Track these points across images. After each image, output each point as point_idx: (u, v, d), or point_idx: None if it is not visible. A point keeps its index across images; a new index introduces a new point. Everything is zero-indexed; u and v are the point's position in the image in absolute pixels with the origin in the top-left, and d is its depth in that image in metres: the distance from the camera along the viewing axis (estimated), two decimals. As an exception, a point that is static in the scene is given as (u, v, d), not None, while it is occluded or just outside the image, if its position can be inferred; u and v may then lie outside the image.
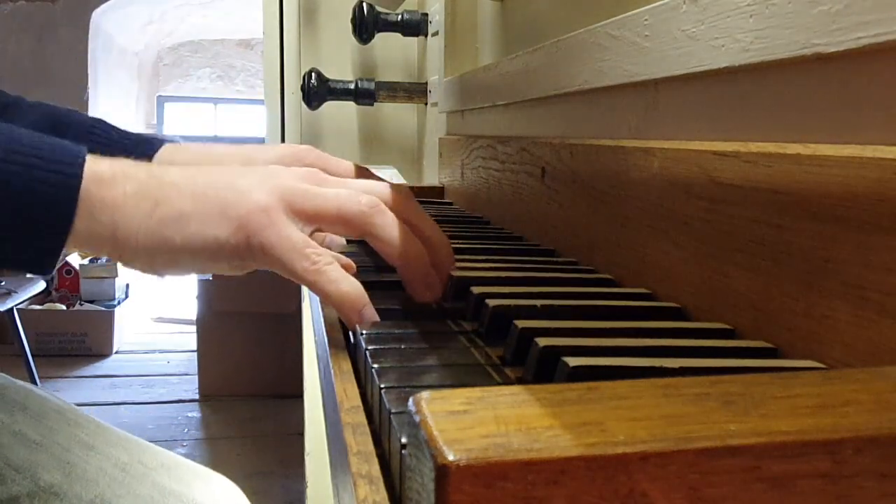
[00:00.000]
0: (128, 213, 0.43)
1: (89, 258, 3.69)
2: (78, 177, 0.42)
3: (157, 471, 0.68)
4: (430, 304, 0.49)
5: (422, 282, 0.48)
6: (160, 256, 0.44)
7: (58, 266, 0.44)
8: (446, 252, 0.51)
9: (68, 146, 0.44)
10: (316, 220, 0.45)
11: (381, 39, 1.43)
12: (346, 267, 0.49)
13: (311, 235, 0.45)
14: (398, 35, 1.40)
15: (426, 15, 1.36)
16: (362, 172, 0.69)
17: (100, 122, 0.73)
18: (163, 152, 0.70)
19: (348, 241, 0.68)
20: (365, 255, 0.65)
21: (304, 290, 0.95)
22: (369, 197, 0.47)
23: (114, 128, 0.73)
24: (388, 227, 0.46)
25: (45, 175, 0.42)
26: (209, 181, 0.45)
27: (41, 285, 2.91)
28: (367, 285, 0.45)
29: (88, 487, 0.62)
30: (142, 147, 0.70)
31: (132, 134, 0.73)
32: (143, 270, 0.45)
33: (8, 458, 0.60)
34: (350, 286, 0.44)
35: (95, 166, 0.43)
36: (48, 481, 0.60)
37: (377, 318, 0.43)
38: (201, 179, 0.45)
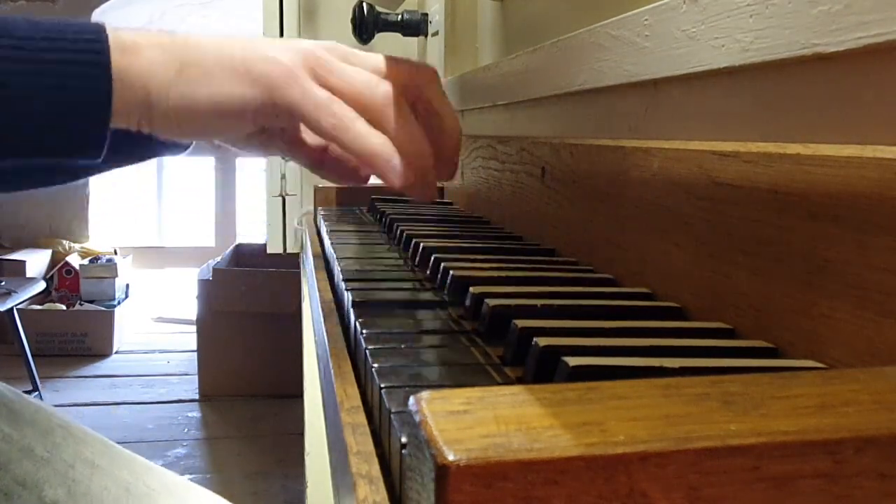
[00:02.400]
0: (156, 76, 0.43)
1: (89, 258, 3.69)
2: (105, 51, 0.42)
3: (160, 492, 0.68)
4: (431, 304, 0.49)
5: (419, 183, 0.47)
6: (189, 116, 0.44)
7: (105, 150, 0.44)
8: (454, 144, 0.50)
9: (86, 23, 0.44)
10: (334, 93, 0.45)
11: (381, 39, 1.43)
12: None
13: None
14: (398, 35, 1.40)
15: (426, 15, 1.36)
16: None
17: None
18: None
19: None
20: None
21: (304, 290, 0.95)
22: (388, 88, 0.46)
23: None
24: (399, 125, 0.45)
25: (73, 55, 0.42)
26: (234, 44, 0.46)
27: (41, 285, 2.91)
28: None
29: None
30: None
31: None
32: (174, 134, 0.46)
33: (15, 473, 0.60)
34: (378, 140, 0.44)
35: (117, 36, 0.43)
36: (53, 498, 0.61)
37: (410, 176, 0.44)
38: (226, 42, 0.46)
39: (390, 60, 0.50)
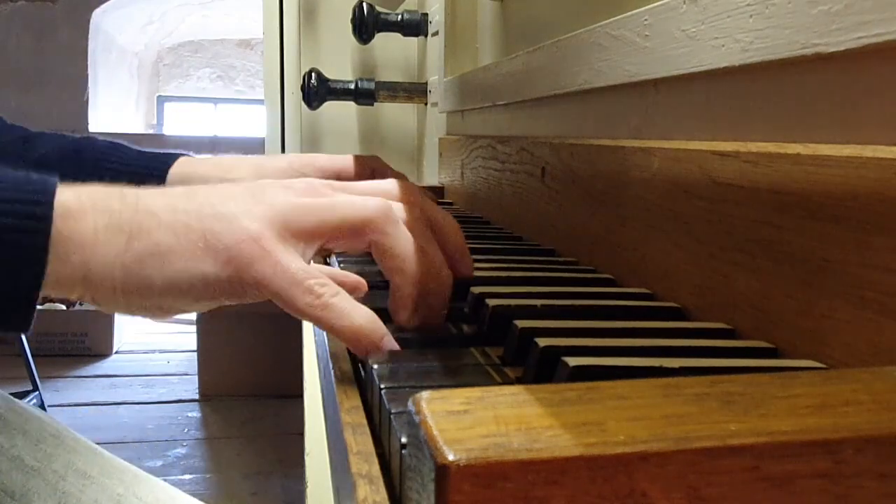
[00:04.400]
0: (99, 251, 0.37)
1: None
2: (48, 216, 0.37)
3: None
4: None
5: (423, 311, 0.42)
6: (139, 299, 0.39)
7: (34, 317, 0.38)
8: (461, 242, 0.46)
9: (35, 178, 0.38)
10: (318, 237, 0.40)
11: (381, 39, 1.43)
12: (354, 288, 0.44)
13: (318, 252, 0.41)
14: (398, 35, 1.40)
15: (426, 15, 1.36)
16: (377, 163, 0.68)
17: (115, 147, 0.73)
18: (176, 167, 0.70)
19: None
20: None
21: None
22: (377, 200, 0.41)
23: (129, 149, 0.73)
24: (402, 238, 0.41)
25: (9, 217, 0.36)
26: (191, 207, 0.39)
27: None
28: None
29: None
30: (156, 163, 0.71)
31: (147, 152, 0.73)
32: (125, 313, 0.40)
33: (4, 483, 0.60)
34: (363, 318, 0.38)
35: (63, 198, 0.38)
36: None
37: (397, 347, 0.39)
38: (182, 205, 0.39)
39: (366, 185, 0.45)
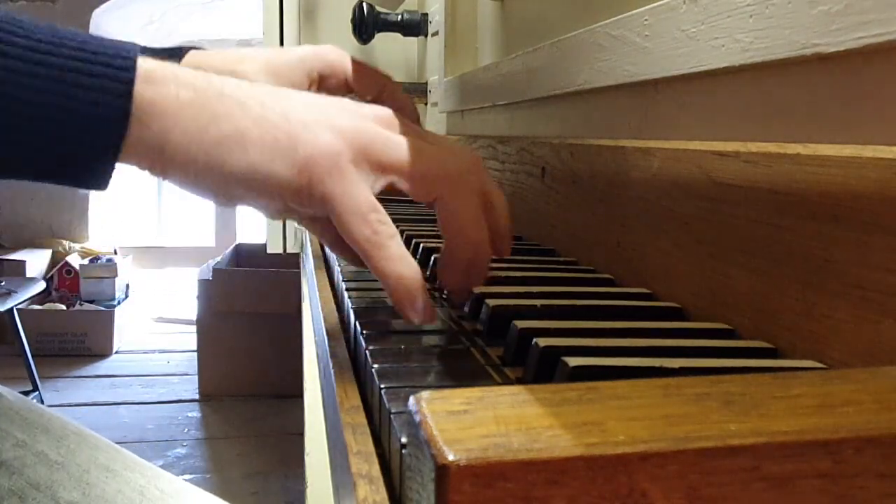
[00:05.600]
0: (180, 123, 0.37)
1: (89, 258, 3.69)
2: (130, 76, 0.36)
3: (173, 497, 0.68)
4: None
5: (464, 278, 0.43)
6: (210, 179, 0.38)
7: (109, 182, 0.38)
8: (506, 222, 0.45)
9: (117, 41, 0.38)
10: (391, 173, 0.40)
11: (381, 39, 1.43)
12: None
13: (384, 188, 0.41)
14: (398, 35, 1.40)
15: (426, 15, 1.36)
16: (388, 83, 0.68)
17: (124, 44, 0.71)
18: (187, 59, 0.68)
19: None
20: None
21: (304, 290, 0.95)
22: (457, 161, 0.41)
23: (138, 46, 0.71)
24: (468, 206, 0.41)
25: (90, 70, 0.36)
26: (277, 105, 0.39)
27: (41, 285, 2.90)
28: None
29: None
30: (167, 55, 0.69)
31: (156, 48, 0.71)
32: (190, 190, 0.40)
33: (29, 476, 0.61)
34: (409, 269, 0.39)
35: (147, 65, 0.37)
36: (68, 500, 0.61)
37: (433, 318, 0.39)
38: (269, 101, 0.39)
39: (439, 146, 0.44)
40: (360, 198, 0.39)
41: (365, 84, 0.70)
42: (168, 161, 0.38)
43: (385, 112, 0.43)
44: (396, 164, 0.40)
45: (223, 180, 0.38)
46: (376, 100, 0.70)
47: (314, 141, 0.38)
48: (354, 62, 0.69)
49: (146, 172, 0.39)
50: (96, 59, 0.36)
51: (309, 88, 0.68)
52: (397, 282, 0.38)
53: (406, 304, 0.38)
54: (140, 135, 0.37)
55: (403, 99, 0.69)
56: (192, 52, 0.69)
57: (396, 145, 0.40)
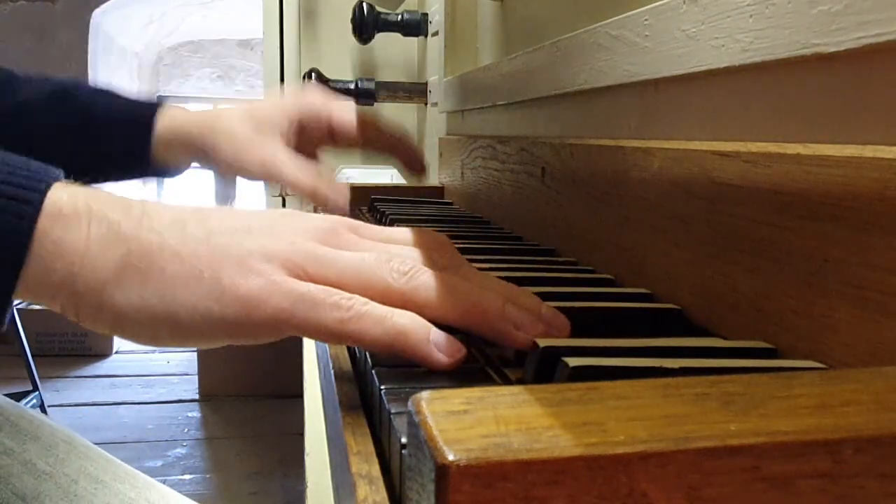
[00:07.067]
0: (88, 264, 0.34)
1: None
2: (33, 215, 0.33)
3: None
4: None
5: (509, 324, 0.37)
6: (130, 324, 0.34)
7: (6, 322, 0.35)
8: (528, 302, 0.38)
9: (33, 168, 0.35)
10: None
11: (381, 39, 1.43)
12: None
13: None
14: (398, 35, 1.40)
15: (426, 15, 1.36)
16: (370, 121, 0.67)
17: (104, 93, 0.71)
18: (166, 118, 0.69)
19: None
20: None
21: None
22: (402, 260, 0.37)
23: (118, 96, 0.71)
24: (432, 287, 0.36)
25: None
26: (201, 233, 0.35)
27: (41, 285, 2.90)
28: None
29: None
30: (146, 110, 0.70)
31: (136, 100, 0.71)
32: (112, 333, 0.36)
33: (16, 486, 0.60)
34: (404, 317, 0.34)
35: (57, 197, 0.34)
36: None
37: (460, 347, 0.34)
38: (191, 228, 0.35)
39: (400, 232, 0.41)
40: (312, 291, 0.34)
41: (372, 141, 0.71)
42: (79, 304, 0.34)
43: (327, 226, 0.38)
44: (339, 282, 0.35)
45: (147, 323, 0.34)
46: (388, 152, 0.72)
47: (244, 271, 0.34)
48: (363, 120, 0.69)
49: (58, 310, 0.35)
50: (1, 191, 0.33)
51: (290, 135, 0.69)
52: (404, 337, 0.34)
53: (429, 351, 0.34)
54: (41, 277, 0.33)
55: (414, 152, 0.70)
56: (170, 112, 0.69)
57: (336, 261, 0.36)
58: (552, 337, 0.37)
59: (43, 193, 0.34)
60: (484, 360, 0.38)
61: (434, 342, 0.34)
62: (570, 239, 0.65)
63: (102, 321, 0.35)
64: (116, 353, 3.44)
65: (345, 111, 0.68)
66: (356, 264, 0.36)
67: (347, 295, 0.34)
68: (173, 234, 0.35)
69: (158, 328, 0.34)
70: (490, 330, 0.36)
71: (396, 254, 0.38)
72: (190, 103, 5.25)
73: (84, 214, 0.34)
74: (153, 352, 3.48)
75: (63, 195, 0.34)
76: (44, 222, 0.33)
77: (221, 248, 0.35)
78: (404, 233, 0.41)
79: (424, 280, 0.36)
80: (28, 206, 0.33)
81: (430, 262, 0.38)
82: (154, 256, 0.34)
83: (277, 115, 0.69)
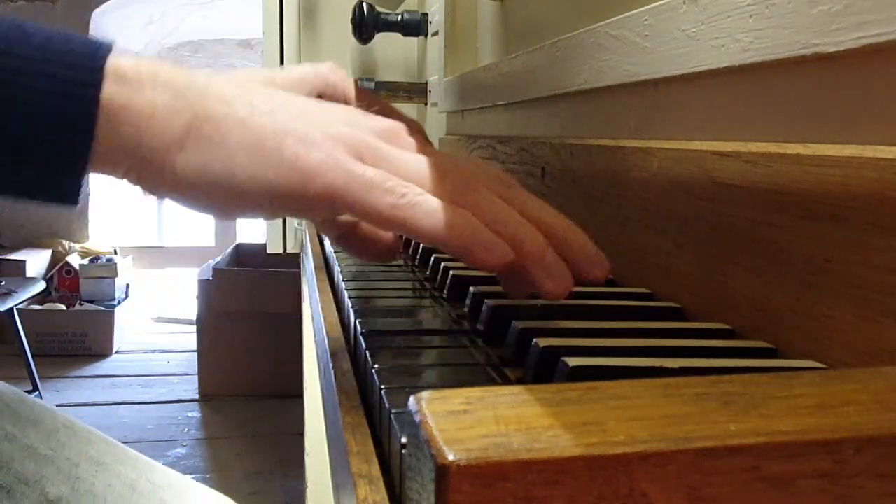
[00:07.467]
0: (156, 128, 0.34)
1: (89, 258, 3.69)
2: (97, 80, 0.33)
3: (165, 489, 0.68)
4: (431, 304, 0.48)
5: (546, 270, 0.36)
6: (192, 189, 0.35)
7: (80, 196, 0.35)
8: (576, 240, 0.39)
9: (88, 39, 0.34)
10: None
11: (381, 39, 1.43)
12: None
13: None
14: (398, 35, 1.40)
15: (426, 15, 1.36)
16: (385, 108, 0.67)
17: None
18: None
19: None
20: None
21: (304, 290, 0.95)
22: (459, 173, 0.37)
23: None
24: (490, 209, 0.36)
25: (53, 70, 0.32)
26: (267, 106, 0.36)
27: (41, 285, 2.91)
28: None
29: (96, 502, 0.62)
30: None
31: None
32: (175, 201, 0.36)
33: (17, 471, 0.60)
34: (457, 214, 0.34)
35: (119, 63, 0.34)
36: (56, 495, 0.60)
37: (508, 252, 0.34)
38: (258, 101, 0.36)
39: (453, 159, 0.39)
40: (368, 174, 0.35)
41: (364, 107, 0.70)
42: (147, 169, 0.35)
43: (388, 125, 0.39)
44: (396, 172, 0.36)
45: (206, 190, 0.35)
46: None
47: (308, 141, 0.35)
48: (381, 109, 0.69)
49: (121, 179, 0.36)
50: (60, 60, 0.33)
51: None
52: (451, 231, 0.34)
53: (477, 249, 0.34)
54: (111, 143, 0.33)
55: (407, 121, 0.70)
56: None
57: (397, 158, 0.36)
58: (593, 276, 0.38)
59: (104, 60, 0.34)
60: (484, 359, 0.38)
61: (487, 241, 0.34)
62: (570, 239, 0.65)
63: (163, 185, 0.35)
64: (116, 353, 3.44)
65: (363, 98, 0.68)
66: (414, 164, 0.36)
67: (404, 182, 0.35)
68: (240, 105, 0.35)
69: (216, 194, 0.35)
70: (524, 266, 0.36)
71: (454, 169, 0.37)
72: (190, 103, 5.24)
73: (148, 81, 0.34)
74: (153, 352, 3.48)
75: (126, 61, 0.34)
76: (109, 88, 0.33)
77: (286, 121, 0.35)
78: (471, 159, 0.41)
79: (477, 200, 0.36)
80: (92, 73, 0.33)
81: (490, 189, 0.37)
82: (219, 123, 0.35)
83: (297, 87, 0.68)
